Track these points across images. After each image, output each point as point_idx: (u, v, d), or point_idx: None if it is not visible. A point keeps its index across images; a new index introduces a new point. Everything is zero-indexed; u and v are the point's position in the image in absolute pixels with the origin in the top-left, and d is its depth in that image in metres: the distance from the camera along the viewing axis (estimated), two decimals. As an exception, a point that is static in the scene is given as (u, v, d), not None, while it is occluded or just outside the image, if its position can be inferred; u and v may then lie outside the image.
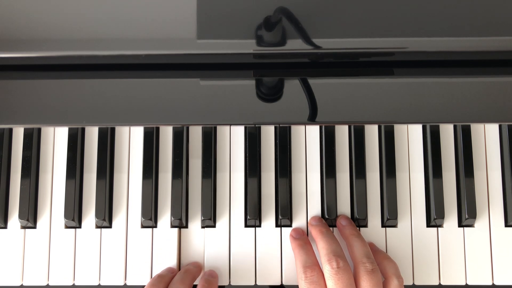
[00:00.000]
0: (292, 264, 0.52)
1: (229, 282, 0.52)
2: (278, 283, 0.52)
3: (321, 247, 0.48)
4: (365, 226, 0.53)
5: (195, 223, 0.53)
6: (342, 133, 0.54)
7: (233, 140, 0.54)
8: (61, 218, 0.53)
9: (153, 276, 0.51)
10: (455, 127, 0.54)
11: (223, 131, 0.54)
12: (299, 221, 0.53)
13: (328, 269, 0.46)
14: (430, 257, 0.52)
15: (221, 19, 0.46)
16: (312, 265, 0.47)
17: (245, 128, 0.54)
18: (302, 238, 0.51)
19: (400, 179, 0.53)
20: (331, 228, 0.52)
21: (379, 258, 0.49)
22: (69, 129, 0.54)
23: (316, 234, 0.50)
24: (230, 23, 0.46)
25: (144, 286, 0.51)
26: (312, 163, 0.54)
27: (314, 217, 0.52)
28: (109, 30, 0.46)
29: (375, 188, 0.53)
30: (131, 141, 0.54)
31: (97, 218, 0.52)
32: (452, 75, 0.48)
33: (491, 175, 0.53)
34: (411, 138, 0.54)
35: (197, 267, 0.51)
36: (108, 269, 0.52)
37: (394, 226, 0.53)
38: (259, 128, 0.54)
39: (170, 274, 0.50)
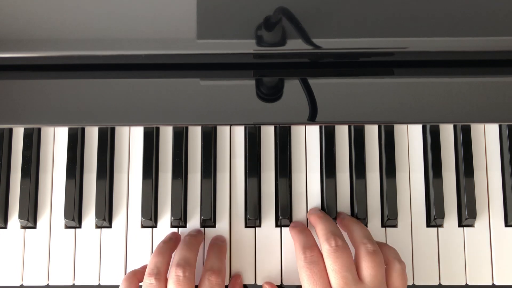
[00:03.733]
0: (292, 264, 0.52)
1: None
2: (278, 283, 0.52)
3: (319, 229, 0.48)
4: (365, 226, 0.53)
5: (195, 223, 0.53)
6: (342, 133, 0.54)
7: (233, 140, 0.54)
8: (61, 218, 0.53)
9: (157, 245, 0.50)
10: (455, 127, 0.54)
11: (223, 131, 0.54)
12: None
13: (326, 248, 0.45)
14: (430, 257, 0.52)
15: (221, 19, 0.46)
16: (311, 246, 0.47)
17: (245, 128, 0.54)
18: (301, 225, 0.51)
19: (400, 179, 0.53)
20: (331, 228, 0.52)
21: (378, 246, 0.49)
22: (69, 129, 0.54)
23: (314, 219, 0.50)
24: (230, 23, 0.46)
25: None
26: (312, 163, 0.54)
27: (312, 208, 0.52)
28: (109, 30, 0.46)
29: (375, 188, 0.53)
30: (131, 141, 0.54)
31: (97, 218, 0.52)
32: (452, 75, 0.48)
33: (491, 175, 0.53)
34: (411, 138, 0.54)
35: (201, 234, 0.52)
36: (108, 269, 0.52)
37: (394, 226, 0.53)
38: (259, 128, 0.54)
39: (173, 240, 0.50)
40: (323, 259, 0.45)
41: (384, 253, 0.47)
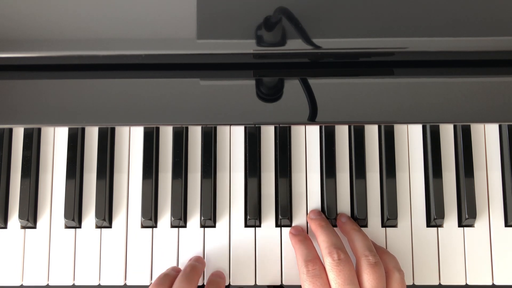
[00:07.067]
0: (292, 264, 0.52)
1: (229, 282, 0.52)
2: (278, 283, 0.52)
3: (321, 240, 0.48)
4: (365, 226, 0.53)
5: (195, 223, 0.53)
6: (342, 133, 0.54)
7: (233, 140, 0.54)
8: (61, 218, 0.53)
9: (158, 275, 0.50)
10: (455, 127, 0.54)
11: (223, 131, 0.54)
12: (299, 221, 0.53)
13: (329, 261, 0.46)
14: (430, 257, 0.52)
15: (221, 19, 0.46)
16: (314, 258, 0.47)
17: (245, 128, 0.54)
18: (302, 234, 0.51)
19: (400, 179, 0.53)
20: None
21: (379, 253, 0.49)
22: (69, 129, 0.54)
23: (315, 228, 0.50)
24: (230, 23, 0.46)
25: (145, 286, 0.51)
26: (312, 163, 0.54)
27: (313, 211, 0.52)
28: (109, 30, 0.46)
29: (375, 188, 0.53)
30: (131, 141, 0.54)
31: (97, 218, 0.52)
32: (452, 75, 0.48)
33: (491, 175, 0.53)
34: (411, 138, 0.54)
35: (202, 263, 0.51)
36: (108, 269, 0.52)
37: (394, 226, 0.53)
38: (259, 128, 0.54)
39: (174, 272, 0.49)
40: (325, 271, 0.46)
41: (384, 262, 0.48)
